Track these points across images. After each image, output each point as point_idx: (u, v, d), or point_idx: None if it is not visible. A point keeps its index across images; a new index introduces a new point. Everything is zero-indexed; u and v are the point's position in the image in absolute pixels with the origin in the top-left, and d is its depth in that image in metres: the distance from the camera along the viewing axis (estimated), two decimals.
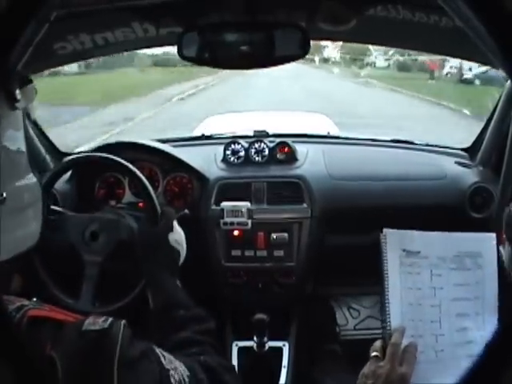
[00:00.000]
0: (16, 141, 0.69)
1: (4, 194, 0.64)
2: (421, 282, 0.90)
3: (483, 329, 0.87)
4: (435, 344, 0.87)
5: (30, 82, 0.72)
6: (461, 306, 0.89)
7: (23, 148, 0.71)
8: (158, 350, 0.74)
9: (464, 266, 0.90)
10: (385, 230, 0.92)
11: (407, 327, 0.87)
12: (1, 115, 0.66)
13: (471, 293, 0.89)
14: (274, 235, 1.58)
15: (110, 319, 0.69)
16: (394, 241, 0.91)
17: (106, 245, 1.27)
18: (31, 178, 0.73)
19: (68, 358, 0.63)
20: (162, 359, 0.73)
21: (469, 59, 1.42)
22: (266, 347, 1.49)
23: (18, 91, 0.68)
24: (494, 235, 0.92)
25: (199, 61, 1.18)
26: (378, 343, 0.88)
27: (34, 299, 0.72)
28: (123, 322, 0.70)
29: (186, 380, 0.74)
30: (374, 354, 0.87)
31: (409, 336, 0.86)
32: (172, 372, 0.72)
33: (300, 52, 1.13)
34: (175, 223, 1.18)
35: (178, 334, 0.91)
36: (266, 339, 1.47)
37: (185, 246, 1.18)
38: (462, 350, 0.86)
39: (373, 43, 1.50)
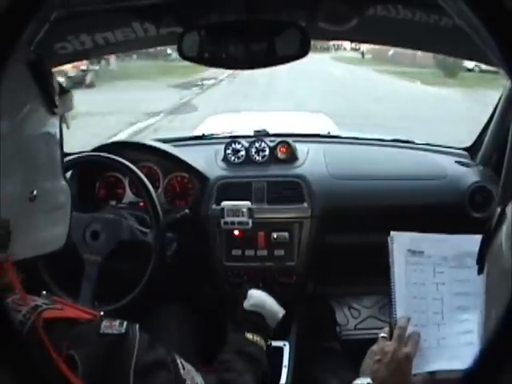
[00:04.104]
0: (54, 140, 0.71)
1: (35, 192, 0.65)
2: (424, 278, 0.96)
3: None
4: (437, 333, 0.94)
5: (68, 91, 0.72)
6: (462, 299, 0.94)
7: (58, 148, 0.72)
8: (179, 361, 0.76)
9: (464, 265, 0.95)
10: (392, 232, 0.99)
11: (412, 318, 0.94)
12: (40, 118, 0.66)
13: (471, 288, 0.93)
14: (274, 235, 1.58)
15: (125, 323, 0.70)
16: (401, 242, 0.98)
17: (106, 245, 1.27)
18: (63, 180, 0.74)
19: (89, 358, 0.64)
20: (181, 369, 0.74)
21: (469, 59, 1.42)
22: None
23: (57, 97, 0.68)
24: None
25: (200, 61, 1.18)
26: (386, 328, 0.97)
27: (44, 292, 0.72)
28: (137, 326, 0.71)
29: None
30: (382, 335, 0.96)
31: (413, 325, 0.93)
32: (188, 382, 0.74)
33: (300, 52, 1.14)
34: (251, 291, 1.22)
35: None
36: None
37: (268, 306, 1.22)
38: (462, 339, 0.91)
39: (373, 43, 1.50)
